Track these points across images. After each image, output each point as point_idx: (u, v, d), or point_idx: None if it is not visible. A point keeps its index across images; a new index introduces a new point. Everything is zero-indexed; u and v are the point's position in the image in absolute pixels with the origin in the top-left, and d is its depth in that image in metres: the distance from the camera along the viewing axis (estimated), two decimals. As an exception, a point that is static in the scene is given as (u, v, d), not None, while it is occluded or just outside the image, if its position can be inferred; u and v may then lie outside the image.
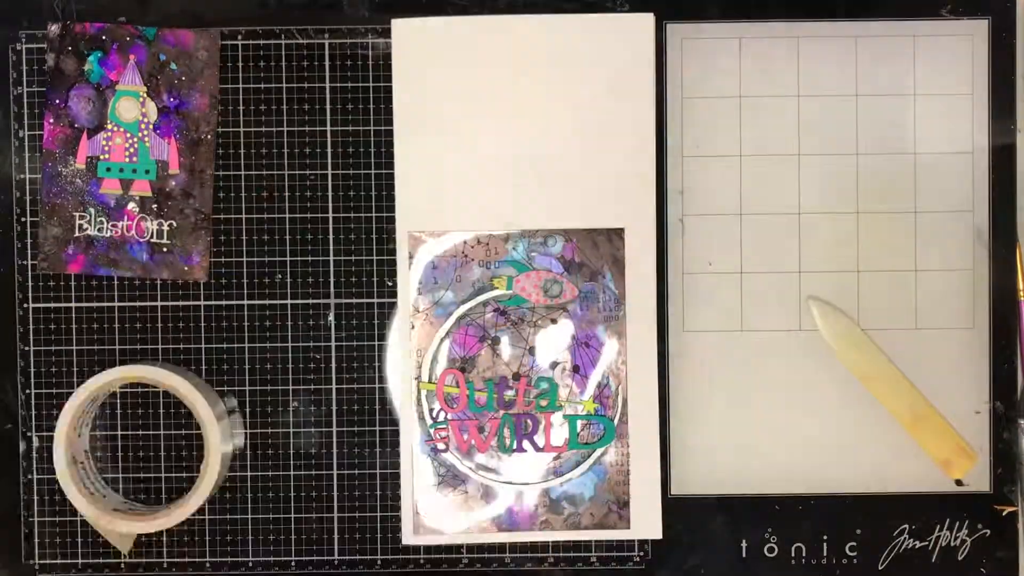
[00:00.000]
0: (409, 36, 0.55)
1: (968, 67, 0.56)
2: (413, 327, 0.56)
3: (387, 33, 0.56)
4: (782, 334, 0.56)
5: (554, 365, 0.56)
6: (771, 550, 0.56)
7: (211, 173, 0.55)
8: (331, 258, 0.57)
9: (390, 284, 0.56)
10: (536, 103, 0.55)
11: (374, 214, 0.56)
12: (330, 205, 0.56)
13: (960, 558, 0.56)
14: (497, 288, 0.56)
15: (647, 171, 0.55)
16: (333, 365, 0.57)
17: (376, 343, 0.56)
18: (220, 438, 0.53)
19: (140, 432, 0.56)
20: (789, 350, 0.56)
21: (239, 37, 0.56)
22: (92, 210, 0.55)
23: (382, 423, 0.57)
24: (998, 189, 0.57)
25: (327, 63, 0.56)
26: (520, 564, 0.56)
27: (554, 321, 0.56)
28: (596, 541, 0.56)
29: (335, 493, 0.56)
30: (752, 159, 0.55)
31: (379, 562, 0.57)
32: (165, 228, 0.55)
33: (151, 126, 0.55)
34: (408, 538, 0.55)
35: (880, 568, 0.56)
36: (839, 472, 0.56)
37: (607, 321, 0.56)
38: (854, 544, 0.57)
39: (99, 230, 0.55)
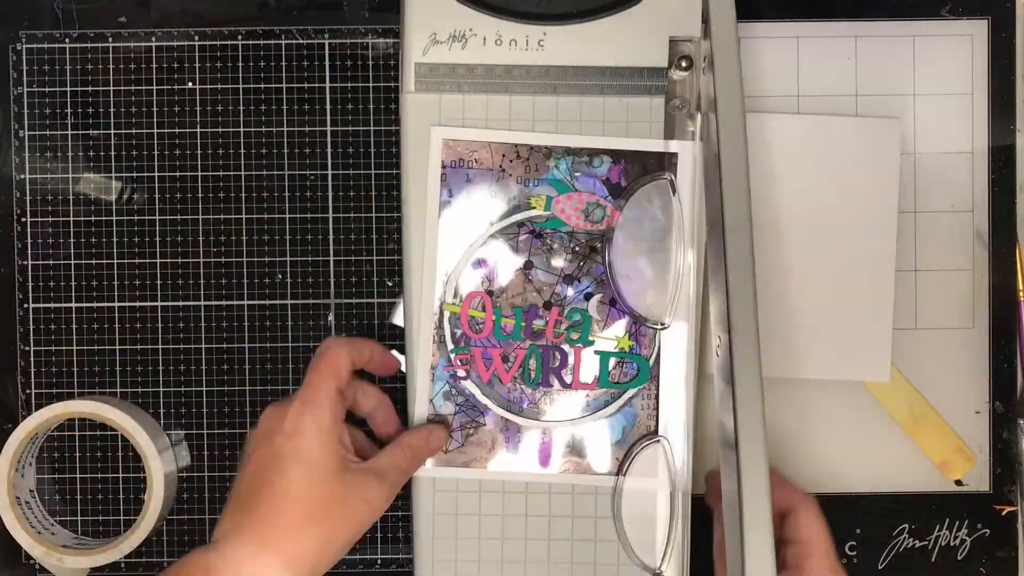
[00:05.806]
0: None
1: (968, 67, 0.56)
2: (438, 241, 0.51)
3: (387, 33, 0.56)
4: (782, 334, 0.56)
5: (589, 296, 0.52)
6: (771, 550, 0.56)
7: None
8: (331, 258, 0.57)
9: (390, 284, 0.56)
10: None
11: (374, 214, 0.56)
12: (330, 205, 0.56)
13: (960, 558, 0.56)
14: (534, 208, 0.52)
15: None
16: (333, 365, 0.56)
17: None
18: (162, 469, 0.53)
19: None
20: (789, 350, 0.56)
21: (239, 37, 0.56)
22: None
23: (382, 423, 0.56)
24: (998, 189, 0.57)
25: (327, 63, 0.56)
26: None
27: (594, 248, 0.52)
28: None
29: (335, 493, 0.56)
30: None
31: (379, 562, 0.57)
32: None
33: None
34: (423, 470, 0.52)
35: (880, 568, 0.57)
36: (839, 472, 0.57)
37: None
38: (854, 544, 0.57)
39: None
